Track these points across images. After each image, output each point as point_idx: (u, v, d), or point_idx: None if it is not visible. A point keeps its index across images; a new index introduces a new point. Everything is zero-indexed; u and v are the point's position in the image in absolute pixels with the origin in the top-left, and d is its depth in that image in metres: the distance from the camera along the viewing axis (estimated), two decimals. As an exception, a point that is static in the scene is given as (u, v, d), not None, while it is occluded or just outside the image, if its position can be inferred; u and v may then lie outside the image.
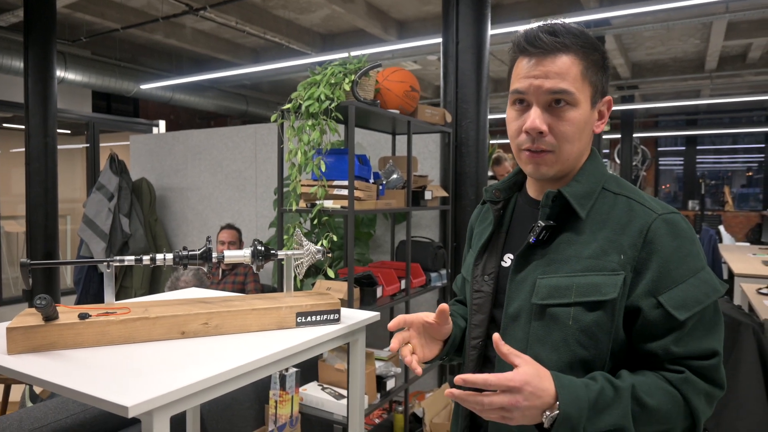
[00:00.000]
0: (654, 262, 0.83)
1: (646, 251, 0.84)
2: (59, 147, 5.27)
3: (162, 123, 7.44)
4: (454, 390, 0.79)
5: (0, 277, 6.13)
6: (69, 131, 7.82)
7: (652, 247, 0.84)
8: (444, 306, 0.94)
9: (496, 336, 0.80)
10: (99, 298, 4.41)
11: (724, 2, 5.73)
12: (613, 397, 0.79)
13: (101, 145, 7.20)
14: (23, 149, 4.93)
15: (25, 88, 5.13)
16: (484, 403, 0.77)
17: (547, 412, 0.77)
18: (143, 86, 7.76)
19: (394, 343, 0.94)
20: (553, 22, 0.89)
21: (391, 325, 0.97)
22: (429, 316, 0.98)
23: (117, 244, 4.29)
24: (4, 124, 7.30)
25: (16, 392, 2.67)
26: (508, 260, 0.98)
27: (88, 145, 7.12)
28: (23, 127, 5.12)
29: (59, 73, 6.75)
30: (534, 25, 0.90)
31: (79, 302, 4.36)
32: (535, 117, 0.87)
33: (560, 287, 0.86)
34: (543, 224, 0.89)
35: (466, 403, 0.78)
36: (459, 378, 0.77)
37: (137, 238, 4.37)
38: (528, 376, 0.77)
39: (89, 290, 4.38)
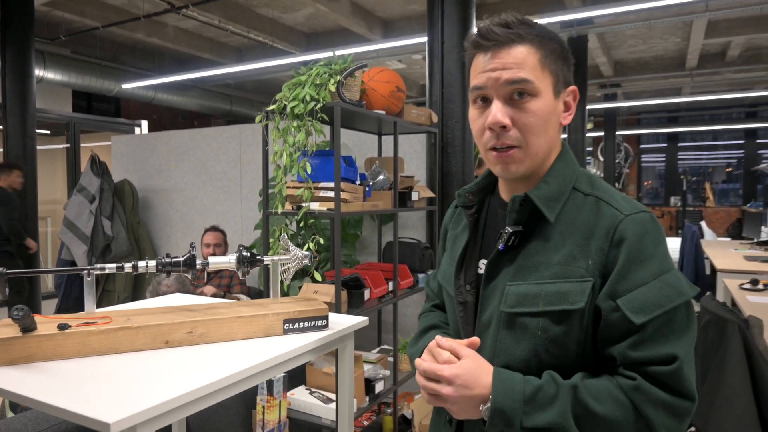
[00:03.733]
0: (618, 264, 0.80)
1: (612, 254, 0.80)
2: (38, 147, 5.16)
3: (144, 123, 7.33)
4: (417, 374, 0.86)
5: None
6: (48, 131, 7.67)
7: (618, 250, 0.80)
8: (476, 340, 0.89)
9: (437, 338, 0.87)
10: (81, 302, 4.32)
11: (703, 1, 5.80)
12: (554, 395, 0.77)
13: (82, 145, 7.07)
14: (1, 150, 4.83)
15: (2, 88, 5.02)
16: (421, 386, 0.85)
17: (482, 406, 0.80)
18: (125, 86, 7.64)
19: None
20: (505, 15, 0.86)
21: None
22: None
23: (99, 246, 4.22)
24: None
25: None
26: (483, 266, 0.94)
27: (68, 145, 6.99)
28: (1, 127, 5.01)
29: (38, 72, 6.61)
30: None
31: (60, 306, 4.28)
32: (496, 111, 0.83)
33: (528, 295, 0.83)
34: (510, 230, 0.86)
35: (417, 379, 0.87)
36: (417, 363, 0.86)
37: (119, 240, 4.29)
38: (461, 370, 0.81)
39: (71, 294, 4.30)
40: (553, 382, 0.79)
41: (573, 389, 0.78)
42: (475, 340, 0.87)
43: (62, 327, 1.06)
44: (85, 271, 1.12)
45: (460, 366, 0.81)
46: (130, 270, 1.16)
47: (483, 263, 0.94)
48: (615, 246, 0.80)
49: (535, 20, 0.88)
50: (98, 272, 1.13)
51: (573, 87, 0.89)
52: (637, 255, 0.80)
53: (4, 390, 0.92)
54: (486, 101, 0.86)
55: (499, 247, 0.87)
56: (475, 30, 0.88)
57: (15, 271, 1.07)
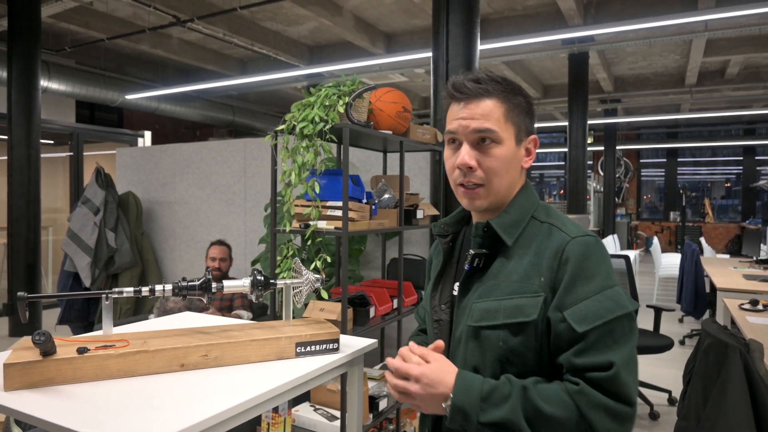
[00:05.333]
0: (564, 280, 0.90)
1: (561, 272, 0.91)
2: (41, 156, 5.19)
3: (148, 134, 7.36)
4: (386, 372, 0.94)
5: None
6: (52, 141, 7.70)
7: (566, 268, 0.91)
8: (440, 343, 0.99)
9: (410, 344, 0.97)
10: (83, 313, 4.34)
11: (703, 21, 5.88)
12: (508, 394, 0.86)
13: (85, 154, 7.11)
14: (3, 158, 4.85)
15: (8, 100, 5.06)
16: (390, 383, 0.94)
17: (444, 403, 0.89)
18: (128, 96, 7.69)
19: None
20: (478, 71, 1.00)
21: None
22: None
23: (102, 258, 4.23)
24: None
25: (-1, 414, 2.59)
26: (457, 288, 1.04)
27: (71, 153, 7.02)
28: (5, 137, 5.04)
29: (42, 82, 6.65)
30: (463, 73, 1.02)
31: (63, 317, 4.29)
32: (464, 154, 0.96)
33: (490, 310, 0.94)
34: (473, 252, 0.98)
35: (386, 377, 0.96)
36: (387, 362, 0.95)
37: (123, 252, 4.31)
38: (428, 370, 0.91)
39: (73, 305, 4.30)
40: (508, 382, 0.89)
41: (523, 389, 0.87)
42: (440, 342, 0.97)
43: (81, 351, 1.08)
44: (104, 295, 1.15)
45: (428, 367, 0.92)
46: (147, 293, 1.18)
47: (457, 285, 1.04)
48: (563, 264, 0.91)
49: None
50: (116, 296, 1.16)
51: (533, 136, 1.03)
52: (581, 272, 0.90)
53: (25, 414, 0.94)
54: (456, 143, 0.99)
55: (466, 268, 0.99)
56: (451, 79, 1.02)
57: (35, 295, 1.10)
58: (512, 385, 0.88)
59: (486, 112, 0.96)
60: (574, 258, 0.91)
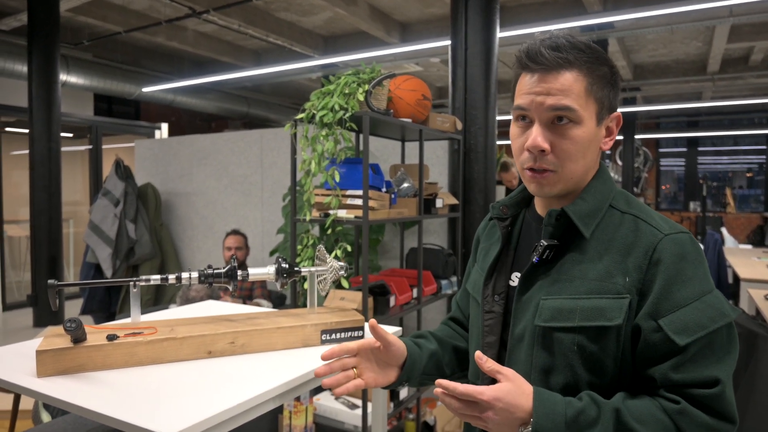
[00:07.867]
0: (657, 283, 0.80)
1: (651, 273, 0.81)
2: (61, 149, 5.26)
3: (165, 126, 7.42)
4: (438, 389, 0.80)
5: (3, 281, 6.11)
6: (71, 134, 7.80)
7: (657, 269, 0.81)
8: (373, 321, 0.91)
9: (477, 353, 0.81)
10: (105, 303, 4.40)
11: (727, 6, 5.73)
12: (596, 417, 0.77)
13: (103, 146, 7.20)
14: (24, 152, 4.92)
15: (29, 94, 5.12)
16: (455, 408, 0.79)
17: (522, 428, 0.78)
18: (145, 89, 7.74)
19: (323, 368, 0.90)
20: (557, 35, 0.85)
21: (326, 354, 0.91)
22: (375, 341, 0.94)
23: (123, 249, 4.28)
24: (7, 129, 7.29)
25: (28, 399, 2.65)
26: (515, 279, 0.94)
27: (90, 146, 7.11)
28: (26, 131, 5.11)
29: (61, 76, 6.72)
30: (540, 37, 0.87)
31: (85, 307, 4.35)
32: (536, 135, 0.84)
33: (564, 309, 0.83)
34: (545, 243, 0.87)
35: (443, 400, 0.80)
36: (439, 382, 0.79)
37: (143, 243, 4.36)
38: (501, 393, 0.77)
39: (95, 296, 4.37)
40: (594, 404, 0.79)
41: (616, 412, 0.77)
42: (510, 372, 0.82)
43: (111, 338, 1.09)
44: (132, 283, 1.15)
45: (500, 389, 0.78)
46: (174, 281, 1.18)
47: (516, 276, 0.94)
48: (653, 265, 0.81)
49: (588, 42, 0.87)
50: (144, 283, 1.16)
51: (617, 113, 0.90)
52: (677, 275, 0.80)
53: (59, 399, 0.95)
54: (526, 120, 0.87)
55: (534, 260, 0.88)
56: (524, 45, 0.87)
57: (65, 283, 1.10)
58: (599, 406, 0.78)
59: (565, 87, 0.82)
60: (669, 259, 0.81)
